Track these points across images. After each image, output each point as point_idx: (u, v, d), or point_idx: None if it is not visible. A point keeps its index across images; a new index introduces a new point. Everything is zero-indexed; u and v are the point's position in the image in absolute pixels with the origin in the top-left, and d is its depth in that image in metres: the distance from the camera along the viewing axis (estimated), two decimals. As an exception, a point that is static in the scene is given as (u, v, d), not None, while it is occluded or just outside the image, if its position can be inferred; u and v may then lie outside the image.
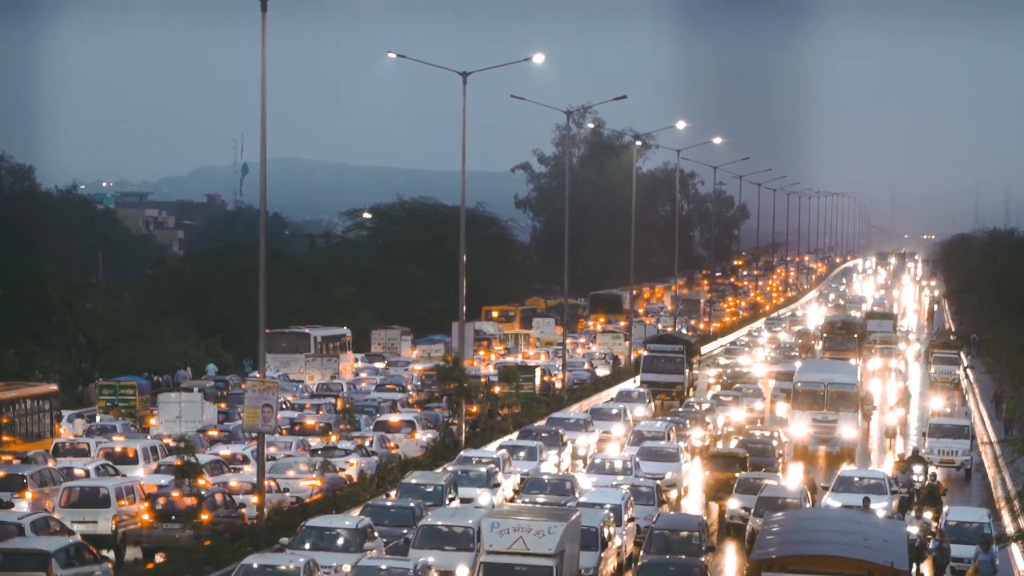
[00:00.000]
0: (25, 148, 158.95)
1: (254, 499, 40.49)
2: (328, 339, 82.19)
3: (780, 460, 52.25)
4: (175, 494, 38.61)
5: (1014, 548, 37.22)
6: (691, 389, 77.52)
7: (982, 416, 69.75)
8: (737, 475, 45.32)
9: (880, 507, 41.06)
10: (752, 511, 40.18)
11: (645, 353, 78.28)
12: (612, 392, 75.03)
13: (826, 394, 59.61)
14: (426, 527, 35.40)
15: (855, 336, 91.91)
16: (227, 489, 41.17)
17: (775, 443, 53.50)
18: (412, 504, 39.24)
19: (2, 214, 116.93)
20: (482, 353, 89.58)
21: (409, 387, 70.45)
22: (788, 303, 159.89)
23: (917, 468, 47.45)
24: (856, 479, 45.08)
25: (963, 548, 36.83)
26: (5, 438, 51.19)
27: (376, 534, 35.85)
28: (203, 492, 39.38)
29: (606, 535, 36.40)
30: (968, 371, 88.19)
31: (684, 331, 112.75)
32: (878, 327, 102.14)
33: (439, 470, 46.54)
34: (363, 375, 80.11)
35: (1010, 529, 37.93)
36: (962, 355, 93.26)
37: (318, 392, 69.83)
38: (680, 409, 65.45)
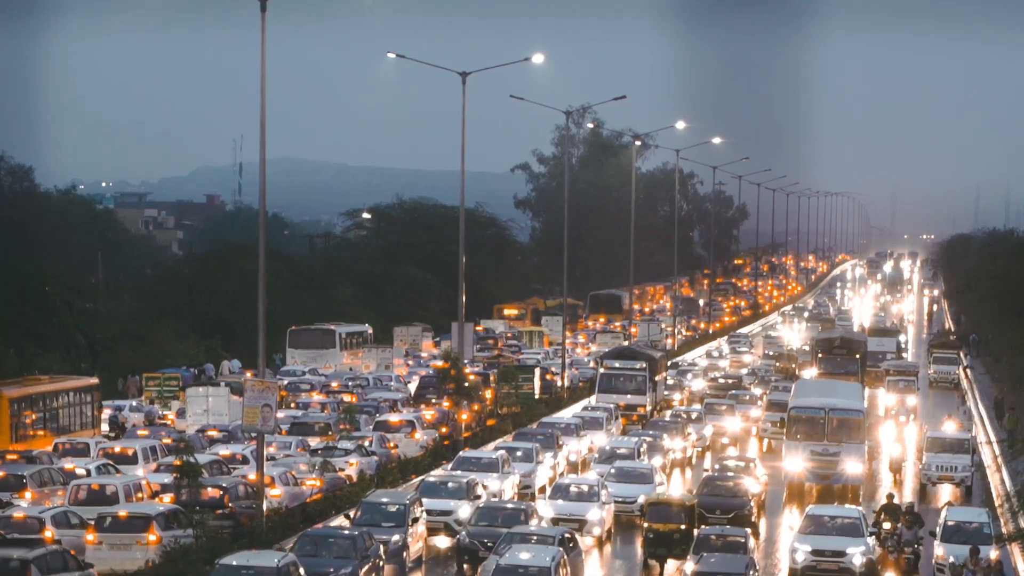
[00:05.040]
0: (25, 148, 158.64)
1: (274, 491, 40.88)
2: (351, 335, 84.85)
3: (752, 504, 44.04)
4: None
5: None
6: (656, 412, 68.61)
7: (981, 417, 69.66)
8: (682, 527, 38.65)
9: (857, 551, 37.48)
10: None
11: (602, 370, 69.75)
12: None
13: (827, 421, 50.58)
14: None
15: (857, 356, 76.44)
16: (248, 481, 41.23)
17: (750, 479, 46.23)
18: (356, 533, 34.61)
19: (2, 214, 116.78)
20: (495, 351, 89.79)
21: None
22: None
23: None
24: (827, 518, 39.26)
25: (960, 548, 35.95)
26: (40, 432, 52.71)
27: (301, 572, 31.71)
28: (225, 484, 39.80)
29: None
30: (967, 371, 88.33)
31: (684, 331, 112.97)
32: (878, 346, 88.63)
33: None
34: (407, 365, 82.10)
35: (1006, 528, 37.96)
36: (961, 355, 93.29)
37: (355, 381, 71.58)
38: (667, 417, 61.88)
